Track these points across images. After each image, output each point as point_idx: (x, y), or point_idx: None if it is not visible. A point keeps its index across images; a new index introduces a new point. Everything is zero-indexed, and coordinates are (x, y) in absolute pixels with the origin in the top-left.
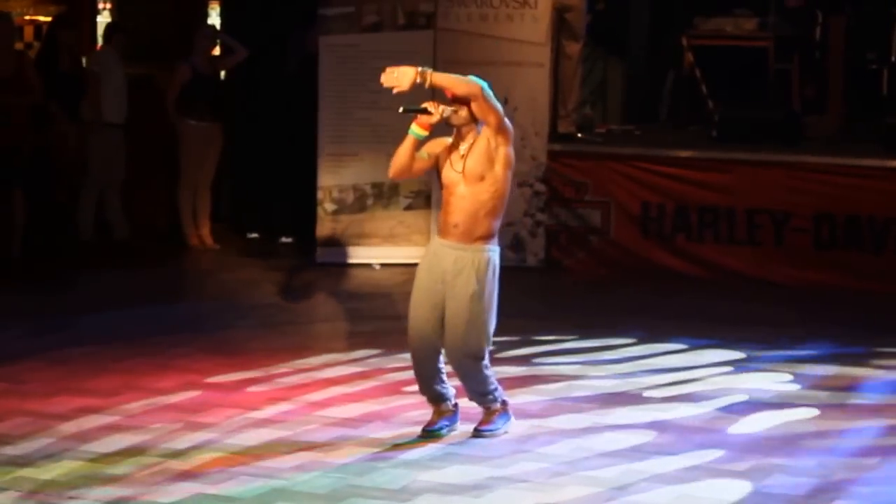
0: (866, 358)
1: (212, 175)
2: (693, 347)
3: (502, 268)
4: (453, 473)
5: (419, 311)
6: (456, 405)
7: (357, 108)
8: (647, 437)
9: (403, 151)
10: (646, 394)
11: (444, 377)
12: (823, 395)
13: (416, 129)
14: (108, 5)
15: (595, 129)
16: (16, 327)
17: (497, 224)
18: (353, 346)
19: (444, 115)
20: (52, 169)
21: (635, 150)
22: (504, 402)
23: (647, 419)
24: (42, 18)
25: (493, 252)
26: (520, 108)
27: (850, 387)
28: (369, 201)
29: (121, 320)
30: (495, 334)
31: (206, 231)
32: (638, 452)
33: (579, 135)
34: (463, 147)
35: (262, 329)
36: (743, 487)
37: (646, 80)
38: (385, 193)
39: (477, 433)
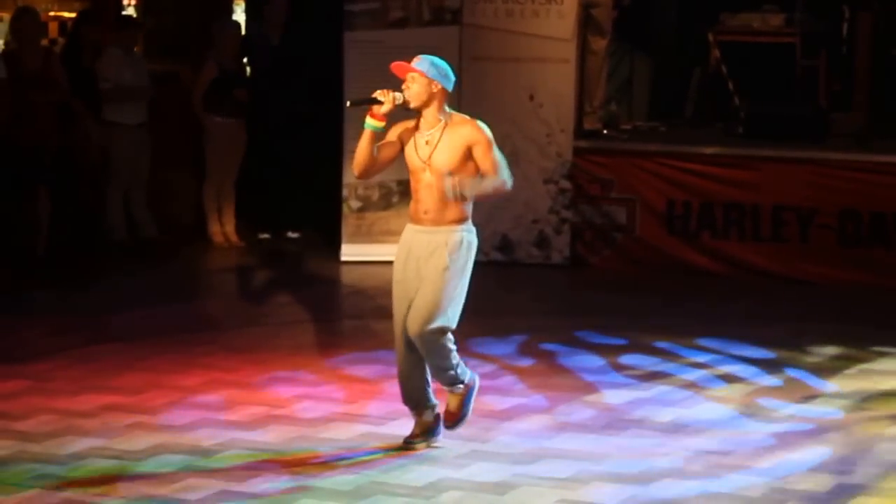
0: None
1: (237, 172)
2: (717, 345)
3: (525, 265)
4: (478, 470)
5: (403, 310)
6: (438, 416)
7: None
8: (670, 434)
9: (362, 148)
10: (669, 391)
11: (430, 380)
12: (850, 393)
13: (372, 122)
14: (133, 1)
15: (621, 125)
16: (41, 325)
17: (469, 206)
18: (377, 344)
19: (398, 101)
20: (78, 167)
21: (661, 146)
22: (465, 384)
23: (670, 416)
24: (67, 14)
25: (468, 232)
26: (545, 104)
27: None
28: (394, 198)
29: (145, 318)
30: (518, 331)
31: (230, 228)
32: (661, 449)
33: (605, 131)
34: (428, 133)
35: (286, 326)
36: (765, 484)
37: (672, 76)
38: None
39: (451, 427)
